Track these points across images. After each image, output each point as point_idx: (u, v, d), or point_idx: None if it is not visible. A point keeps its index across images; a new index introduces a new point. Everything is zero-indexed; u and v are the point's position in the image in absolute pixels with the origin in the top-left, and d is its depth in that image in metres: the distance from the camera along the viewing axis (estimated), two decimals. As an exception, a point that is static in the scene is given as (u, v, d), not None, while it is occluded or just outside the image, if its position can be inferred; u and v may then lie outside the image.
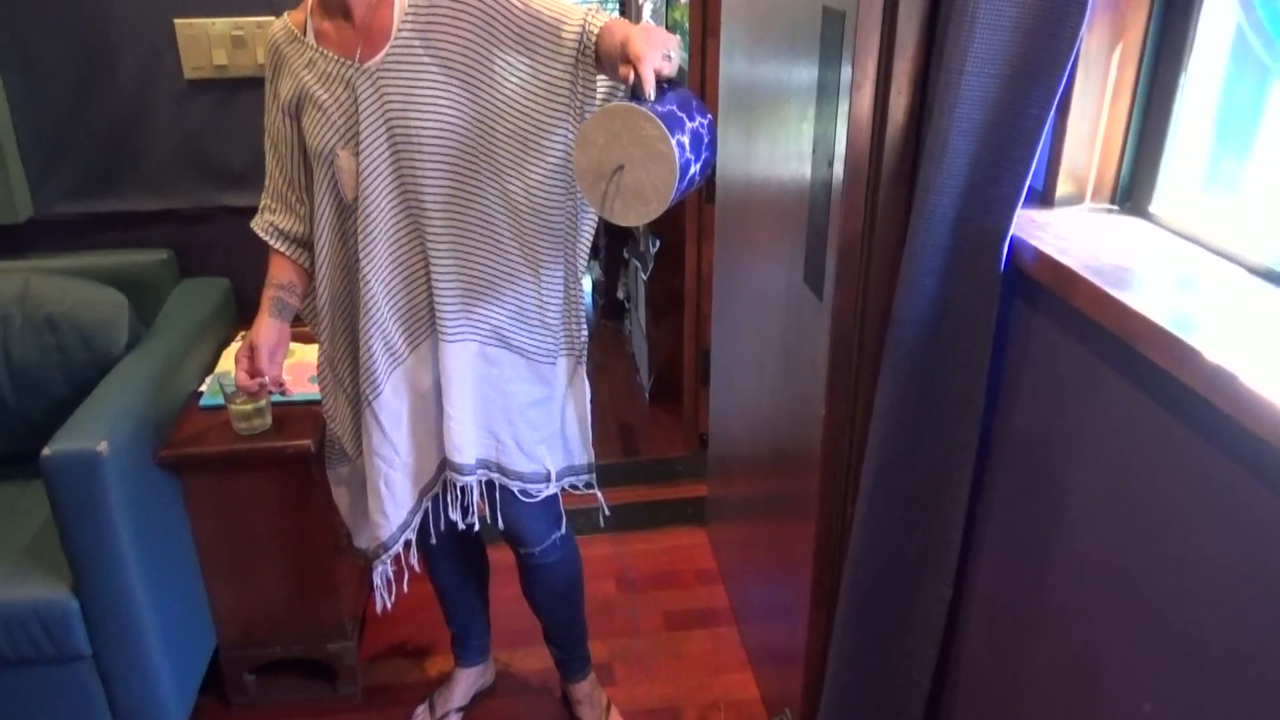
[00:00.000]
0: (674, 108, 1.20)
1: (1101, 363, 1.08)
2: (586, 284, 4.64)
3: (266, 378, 1.53)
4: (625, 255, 3.84)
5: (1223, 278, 1.06)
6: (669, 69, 1.22)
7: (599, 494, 1.72)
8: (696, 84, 2.56)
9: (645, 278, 3.35)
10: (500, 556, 1.92)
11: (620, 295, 4.09)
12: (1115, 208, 1.30)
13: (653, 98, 1.18)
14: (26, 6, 1.96)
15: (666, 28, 3.39)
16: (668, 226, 3.09)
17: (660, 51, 1.20)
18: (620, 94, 1.38)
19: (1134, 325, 0.97)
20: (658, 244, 3.27)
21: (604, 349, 3.98)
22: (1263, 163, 1.11)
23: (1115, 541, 1.08)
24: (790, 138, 1.58)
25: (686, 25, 2.59)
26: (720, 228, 2.23)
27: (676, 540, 2.57)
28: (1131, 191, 1.29)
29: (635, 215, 1.23)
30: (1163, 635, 0.99)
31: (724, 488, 2.38)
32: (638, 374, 3.63)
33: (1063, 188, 1.30)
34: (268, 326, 1.53)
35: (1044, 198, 1.31)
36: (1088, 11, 1.08)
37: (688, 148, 1.19)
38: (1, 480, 1.88)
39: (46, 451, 1.50)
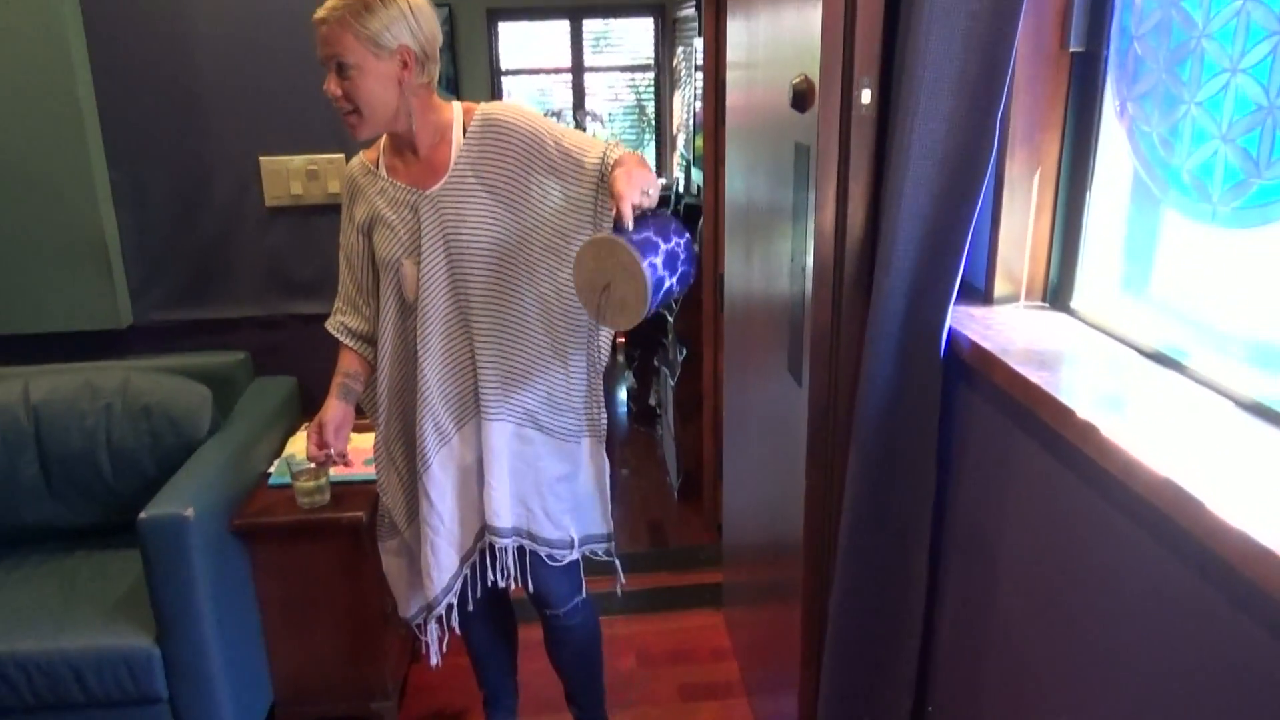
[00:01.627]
0: (650, 234, 1.48)
1: (1016, 428, 1.30)
2: (622, 393, 4.92)
3: (333, 449, 1.80)
4: (656, 364, 4.10)
5: (1117, 359, 1.28)
6: (647, 202, 1.50)
7: (617, 562, 1.93)
8: (710, 204, 2.87)
9: (673, 384, 3.60)
10: (527, 635, 2.13)
11: (652, 402, 4.34)
12: (1045, 305, 1.54)
13: (630, 228, 1.46)
14: (139, 144, 2.33)
15: (693, 156, 3.75)
16: (692, 335, 3.36)
17: (639, 189, 1.48)
18: (607, 226, 1.65)
19: (1031, 393, 1.20)
20: (684, 352, 3.53)
21: (637, 453, 4.20)
22: (1160, 270, 1.34)
23: (1031, 583, 1.28)
24: (776, 250, 1.85)
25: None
26: (728, 333, 2.50)
27: (694, 621, 2.74)
28: (1059, 291, 1.53)
29: (622, 322, 1.51)
30: (1081, 666, 1.18)
31: (736, 573, 2.57)
32: (668, 475, 3.84)
33: (1000, 288, 1.54)
34: (335, 407, 1.81)
35: (985, 297, 1.55)
36: (994, 147, 1.35)
37: (659, 267, 1.46)
38: (97, 549, 2.15)
39: (143, 515, 1.77)
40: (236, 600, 1.98)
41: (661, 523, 3.46)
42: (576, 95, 6.58)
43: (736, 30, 2.17)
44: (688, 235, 1.57)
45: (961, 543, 1.51)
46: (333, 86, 1.56)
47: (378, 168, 1.73)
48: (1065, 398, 1.13)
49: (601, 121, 6.42)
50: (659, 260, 1.48)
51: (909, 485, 1.55)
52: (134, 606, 1.89)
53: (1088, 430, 1.07)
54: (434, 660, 1.88)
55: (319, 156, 2.37)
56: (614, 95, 6.67)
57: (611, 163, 1.65)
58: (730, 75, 2.28)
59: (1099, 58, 1.40)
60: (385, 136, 1.73)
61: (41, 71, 2.18)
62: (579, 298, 1.55)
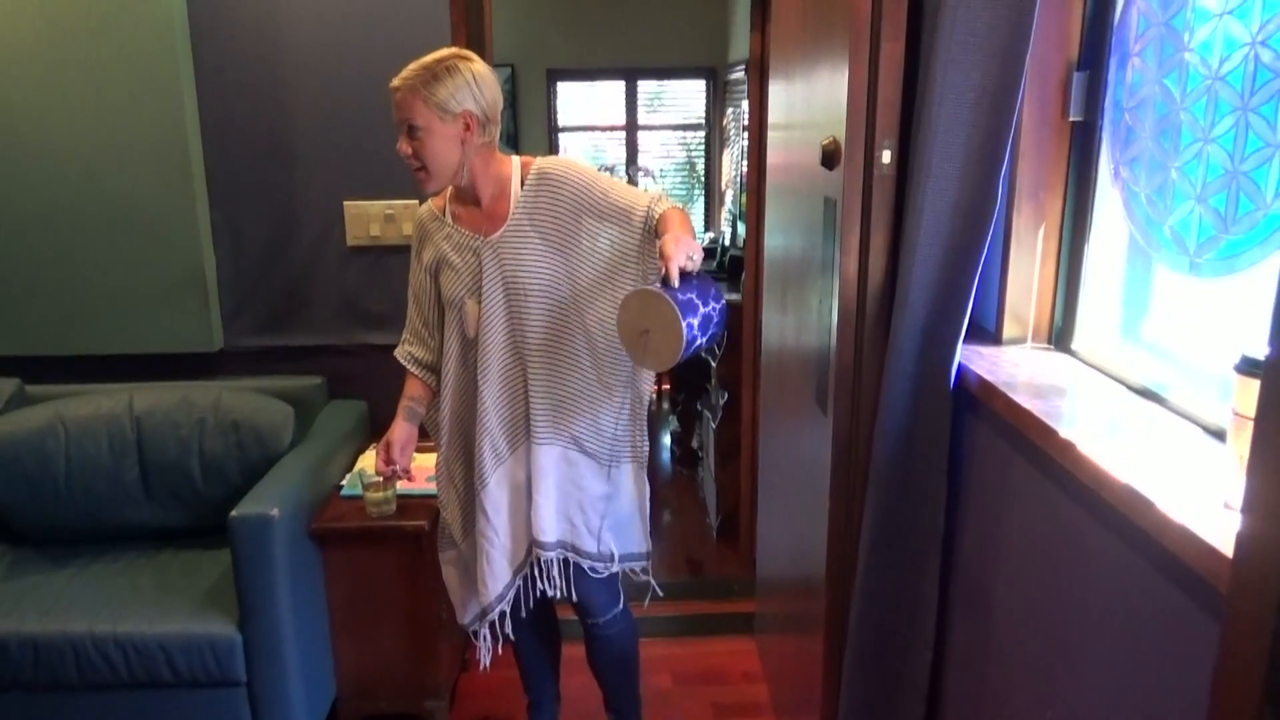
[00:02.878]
0: (693, 296, 1.68)
1: (1012, 451, 1.46)
2: (666, 437, 5.08)
3: (398, 466, 2.00)
4: (699, 408, 4.26)
5: (1107, 393, 1.42)
6: (691, 266, 1.69)
7: (652, 580, 2.08)
8: (751, 256, 3.07)
9: (715, 427, 3.76)
10: (571, 651, 2.29)
11: (694, 445, 4.48)
12: (1050, 346, 1.69)
13: (676, 286, 1.66)
14: (238, 189, 2.61)
15: (739, 212, 3.94)
16: (733, 380, 3.54)
17: (685, 254, 1.67)
18: (653, 278, 1.84)
19: (1023, 417, 1.36)
20: (725, 396, 3.69)
21: (679, 494, 4.34)
22: (1152, 316, 1.49)
23: (1021, 589, 1.42)
24: (808, 297, 2.03)
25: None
26: (764, 378, 2.67)
27: (728, 647, 2.88)
28: (1062, 334, 1.68)
29: (653, 366, 1.71)
30: (1068, 668, 1.33)
31: (767, 602, 2.71)
32: (708, 515, 3.98)
33: (1009, 330, 1.70)
34: (401, 428, 2.02)
35: (995, 338, 1.71)
36: (998, 204, 1.53)
37: (695, 327, 1.66)
38: (185, 548, 2.37)
39: (235, 513, 1.99)
40: (309, 598, 2.17)
41: (700, 559, 3.61)
42: (630, 151, 6.87)
43: (777, 93, 2.39)
44: (724, 301, 1.77)
45: (969, 557, 1.65)
46: (404, 146, 1.77)
47: (445, 214, 1.93)
48: (1051, 421, 1.29)
49: (653, 177, 6.68)
50: (696, 321, 1.67)
51: (922, 507, 1.70)
52: (219, 599, 2.10)
53: (1066, 447, 1.22)
54: (483, 663, 2.03)
55: (395, 202, 2.61)
56: (666, 152, 6.95)
57: (657, 215, 1.83)
58: (771, 135, 2.49)
59: (1095, 126, 1.57)
60: (451, 187, 1.92)
61: (158, 125, 2.47)
62: (619, 333, 1.74)
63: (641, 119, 6.83)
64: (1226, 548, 0.91)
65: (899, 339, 1.63)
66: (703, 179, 6.91)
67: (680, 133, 6.90)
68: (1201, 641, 0.99)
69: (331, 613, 2.26)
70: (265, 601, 2.00)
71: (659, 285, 1.69)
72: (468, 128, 1.77)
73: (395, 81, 1.75)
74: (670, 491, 4.40)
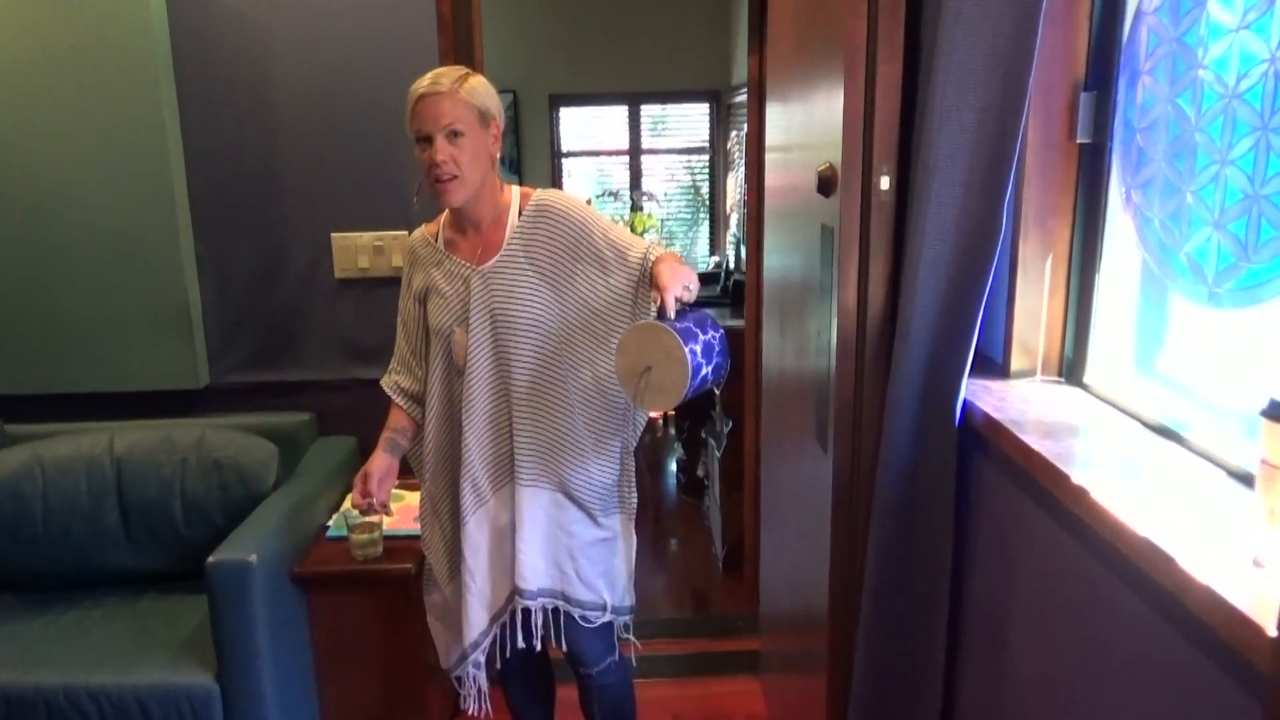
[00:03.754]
0: (690, 324, 1.61)
1: (1022, 494, 1.37)
2: (672, 464, 5.00)
3: (375, 499, 1.91)
4: (704, 435, 4.19)
5: (1122, 431, 1.34)
6: (688, 297, 1.63)
7: (633, 639, 2.01)
8: (752, 281, 2.99)
9: (719, 455, 3.68)
10: (566, 694, 2.20)
11: (700, 473, 4.41)
12: (1061, 380, 1.61)
13: (673, 317, 1.59)
14: (223, 220, 2.55)
15: (743, 236, 3.88)
16: (736, 407, 3.45)
17: (681, 284, 1.62)
18: (651, 314, 1.77)
19: (1033, 459, 1.27)
20: (729, 424, 3.61)
21: (685, 523, 4.26)
22: (1169, 348, 1.41)
23: (1039, 642, 1.33)
24: (807, 326, 1.95)
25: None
26: (765, 406, 2.59)
27: (732, 687, 2.78)
28: (1073, 367, 1.60)
29: (659, 405, 1.63)
30: None
31: (771, 640, 2.62)
32: (713, 545, 3.90)
33: (1017, 363, 1.61)
34: (381, 460, 1.93)
35: (1003, 370, 1.63)
36: (1002, 231, 1.45)
37: (699, 354, 1.58)
38: (166, 593, 2.29)
39: (211, 559, 1.91)
40: (292, 645, 2.09)
41: (706, 592, 3.51)
42: (634, 176, 6.82)
43: (774, 116, 2.32)
44: (722, 331, 1.69)
45: (978, 607, 1.56)
46: (441, 152, 1.69)
47: (437, 241, 1.88)
48: (1062, 464, 1.20)
49: (657, 201, 6.64)
50: (698, 348, 1.60)
51: (927, 550, 1.61)
52: (198, 648, 2.02)
53: (1080, 494, 1.14)
54: (472, 709, 1.95)
55: (385, 233, 2.55)
56: (670, 176, 6.90)
57: (653, 260, 1.77)
58: (768, 158, 2.42)
59: (1105, 149, 1.49)
60: (447, 213, 1.87)
61: (140, 156, 2.42)
62: (619, 379, 1.67)
63: (645, 143, 6.79)
64: (1258, 613, 0.83)
65: (901, 372, 1.56)
66: (707, 203, 6.86)
67: (685, 156, 6.85)
68: (1230, 715, 0.90)
69: (316, 659, 2.18)
70: (244, 651, 1.92)
71: (656, 318, 1.62)
72: (495, 137, 1.77)
73: (430, 87, 1.69)
74: (676, 520, 4.32)
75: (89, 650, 2.04)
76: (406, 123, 1.73)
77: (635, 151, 6.80)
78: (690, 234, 6.91)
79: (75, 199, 2.43)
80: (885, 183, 1.60)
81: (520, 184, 1.90)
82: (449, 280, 1.84)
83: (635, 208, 6.54)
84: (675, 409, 5.26)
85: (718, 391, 3.66)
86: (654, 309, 1.65)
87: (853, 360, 1.68)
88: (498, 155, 1.80)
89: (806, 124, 1.92)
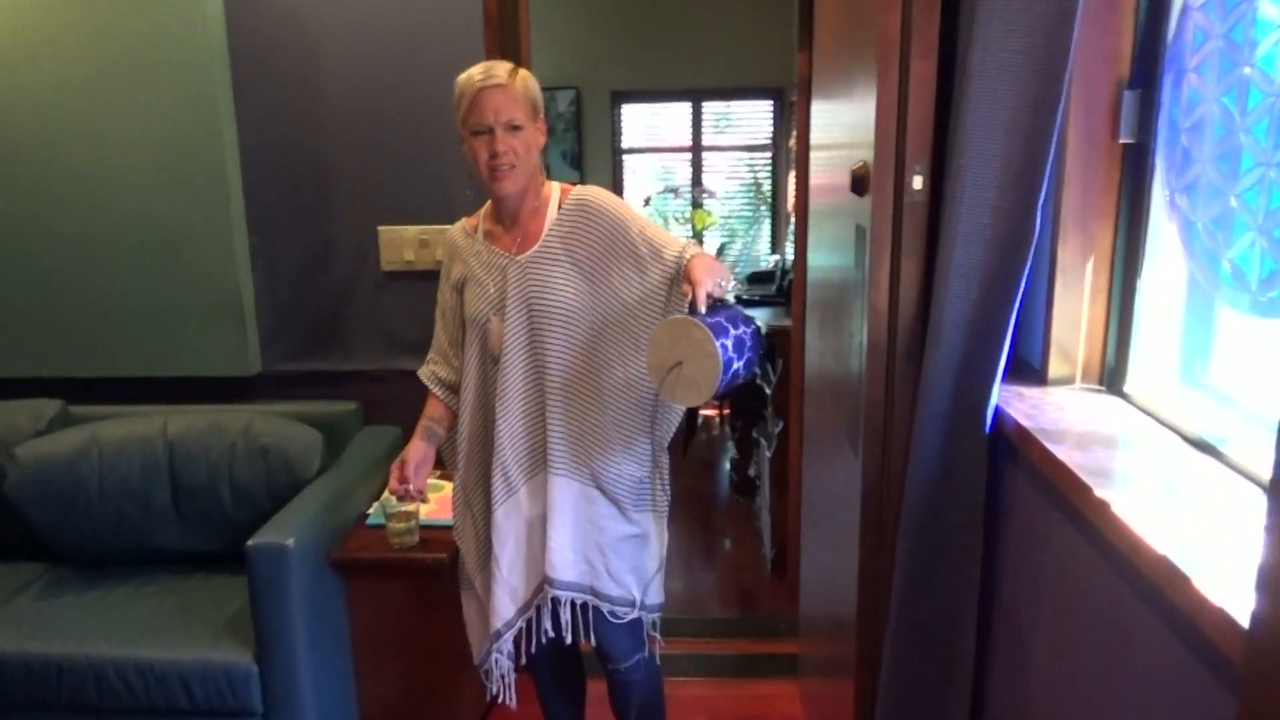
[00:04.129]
0: (722, 319, 1.60)
1: (1050, 505, 1.33)
2: (726, 464, 4.98)
3: (411, 485, 1.94)
4: (755, 435, 4.16)
5: (1158, 443, 1.29)
6: (719, 292, 1.63)
7: (658, 637, 2.00)
8: (799, 280, 2.96)
9: (770, 456, 3.65)
10: (597, 689, 2.20)
11: (752, 473, 4.39)
12: (1101, 388, 1.56)
13: (704, 311, 1.58)
14: (275, 214, 2.62)
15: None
16: (786, 408, 3.42)
17: (714, 279, 1.62)
18: (684, 309, 1.77)
19: (1059, 470, 1.23)
20: (780, 424, 3.58)
21: (736, 523, 4.23)
22: (1215, 358, 1.35)
23: (1064, 658, 1.29)
24: (843, 326, 1.92)
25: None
26: (806, 407, 2.56)
27: (769, 690, 2.76)
28: (1114, 375, 1.55)
29: (690, 399, 1.62)
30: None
31: (809, 644, 2.59)
32: (763, 546, 3.87)
33: (1055, 370, 1.56)
34: (418, 447, 1.97)
35: (1041, 378, 1.58)
36: (1036, 233, 1.41)
37: (730, 349, 1.57)
38: (214, 572, 2.37)
39: (250, 543, 1.97)
40: (331, 629, 2.14)
41: (752, 593, 3.49)
42: (695, 173, 6.80)
43: (818, 114, 2.29)
44: (755, 325, 1.68)
45: (1008, 619, 1.52)
46: (502, 143, 1.73)
47: (477, 232, 1.91)
48: (1087, 476, 1.16)
49: (717, 198, 6.60)
50: (729, 343, 1.59)
51: (956, 559, 1.57)
52: (240, 627, 2.08)
53: (1101, 507, 1.10)
54: (500, 699, 1.95)
55: (430, 227, 2.59)
56: (731, 173, 6.86)
57: (688, 258, 1.77)
58: (813, 156, 2.39)
59: (1149, 149, 1.44)
60: (487, 205, 1.91)
61: (197, 151, 2.50)
62: (650, 372, 1.67)
63: (709, 140, 6.76)
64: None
65: (931, 377, 1.52)
66: (769, 200, 6.79)
67: (747, 154, 6.80)
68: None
69: (354, 644, 2.22)
70: (281, 632, 1.98)
71: (688, 312, 1.62)
72: (542, 130, 1.82)
73: (485, 79, 1.72)
74: (727, 520, 4.30)
75: (138, 625, 2.12)
76: (460, 114, 1.75)
77: (696, 148, 6.77)
78: (751, 232, 6.86)
79: (136, 194, 2.52)
80: (918, 182, 1.56)
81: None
82: (487, 270, 1.87)
83: (695, 204, 6.52)
84: (725, 406, 5.26)
85: (769, 389, 3.66)
86: (686, 304, 1.65)
87: (883, 363, 1.65)
88: (542, 147, 1.84)
89: (844, 122, 1.89)
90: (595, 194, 1.85)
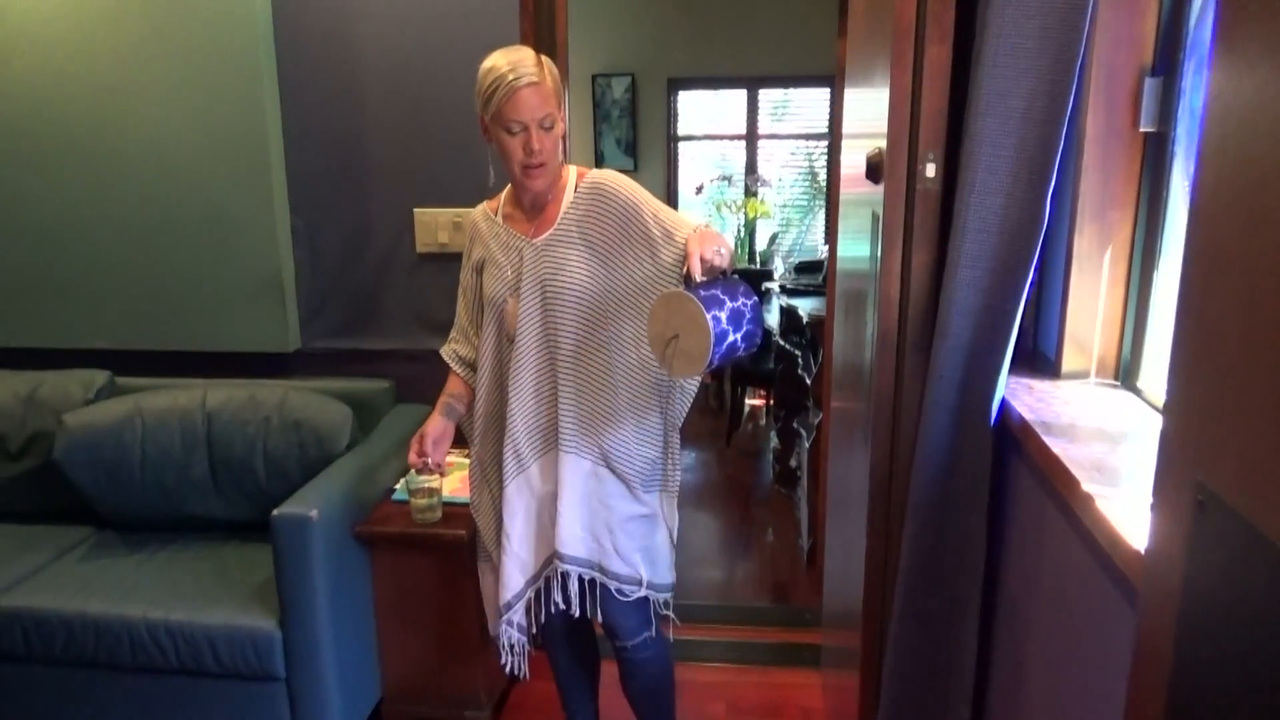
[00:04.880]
0: (717, 292, 1.60)
1: (1046, 499, 1.31)
2: (769, 454, 4.96)
3: (430, 459, 1.99)
4: (796, 426, 4.14)
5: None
6: (718, 261, 1.62)
7: (673, 617, 2.01)
8: (832, 270, 2.93)
9: (808, 446, 3.63)
10: (609, 671, 2.23)
11: (793, 464, 4.37)
12: (1117, 383, 1.52)
13: (698, 281, 1.58)
14: (316, 196, 2.69)
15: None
16: (821, 396, 3.39)
17: (711, 248, 1.61)
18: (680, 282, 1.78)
19: (1051, 463, 1.22)
20: (820, 415, 3.56)
21: (776, 513, 4.21)
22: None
23: (1057, 654, 1.27)
24: (861, 316, 1.91)
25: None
26: (833, 397, 2.54)
27: (791, 679, 2.75)
28: (1130, 369, 1.51)
29: (687, 371, 1.63)
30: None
31: (829, 634, 2.58)
32: (800, 537, 3.86)
33: (1069, 363, 1.54)
34: (437, 422, 2.02)
35: (1054, 370, 1.56)
36: (1045, 222, 1.38)
37: (723, 321, 1.57)
38: (247, 541, 2.45)
39: (276, 513, 2.04)
40: (354, 599, 2.20)
41: (786, 584, 3.48)
42: (749, 161, 6.77)
43: (849, 101, 2.27)
44: (755, 299, 1.67)
45: (1009, 612, 1.50)
46: (538, 142, 1.74)
47: (497, 215, 1.94)
48: (1077, 470, 1.15)
49: (771, 187, 6.56)
50: (723, 315, 1.59)
51: (960, 552, 1.56)
52: (267, 594, 2.16)
53: (1086, 501, 1.09)
54: (510, 670, 1.98)
55: (463, 210, 2.63)
56: (788, 161, 6.81)
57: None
58: (843, 144, 2.37)
59: (1169, 138, 1.40)
60: (508, 189, 1.94)
61: (243, 134, 2.58)
62: (651, 347, 1.68)
63: (766, 127, 6.72)
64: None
65: (939, 368, 1.51)
66: (825, 189, 6.72)
67: (803, 142, 6.74)
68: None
69: (378, 615, 2.28)
70: (304, 600, 2.04)
71: (684, 286, 1.62)
72: (563, 120, 1.83)
73: (519, 75, 1.71)
74: (767, 511, 4.29)
75: (172, 589, 2.20)
76: (491, 108, 1.74)
77: (752, 136, 6.73)
78: (805, 221, 6.80)
79: (185, 178, 2.61)
80: (931, 170, 1.54)
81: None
82: (504, 252, 1.90)
83: (749, 193, 6.49)
84: (769, 396, 5.23)
85: (809, 379, 3.63)
86: (682, 274, 1.66)
87: (893, 354, 1.64)
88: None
89: (866, 109, 1.87)
90: (609, 177, 1.86)
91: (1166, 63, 1.39)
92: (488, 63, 1.76)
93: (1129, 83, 1.42)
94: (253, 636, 2.07)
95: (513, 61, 1.73)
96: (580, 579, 1.91)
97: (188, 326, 2.70)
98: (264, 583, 2.21)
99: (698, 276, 1.59)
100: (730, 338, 1.60)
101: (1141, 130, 1.43)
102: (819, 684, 2.71)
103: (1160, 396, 1.38)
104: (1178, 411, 0.78)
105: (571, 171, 1.89)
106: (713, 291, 1.60)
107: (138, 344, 2.74)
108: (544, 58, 1.78)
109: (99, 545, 2.45)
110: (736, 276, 1.73)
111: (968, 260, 1.45)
